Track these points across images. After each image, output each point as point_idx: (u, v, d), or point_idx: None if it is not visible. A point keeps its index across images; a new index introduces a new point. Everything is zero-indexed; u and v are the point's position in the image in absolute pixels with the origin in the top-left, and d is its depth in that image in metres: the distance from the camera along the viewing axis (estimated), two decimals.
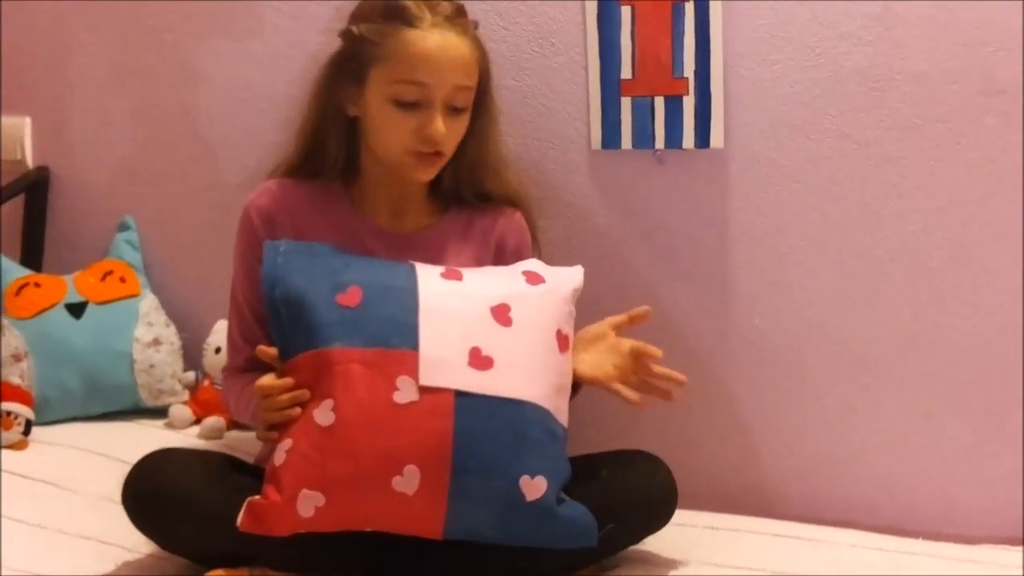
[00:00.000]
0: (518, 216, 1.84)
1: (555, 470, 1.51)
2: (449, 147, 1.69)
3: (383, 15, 1.66)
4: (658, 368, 1.67)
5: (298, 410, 1.50)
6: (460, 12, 1.70)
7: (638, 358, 1.67)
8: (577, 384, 1.66)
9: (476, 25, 1.72)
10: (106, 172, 2.42)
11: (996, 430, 1.90)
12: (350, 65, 1.70)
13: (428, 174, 1.71)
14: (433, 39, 1.64)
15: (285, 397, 1.51)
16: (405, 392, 1.47)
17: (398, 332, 1.51)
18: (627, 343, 1.67)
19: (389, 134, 1.67)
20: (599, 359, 1.67)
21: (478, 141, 1.77)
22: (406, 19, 1.64)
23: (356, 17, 1.71)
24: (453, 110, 1.67)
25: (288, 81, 1.96)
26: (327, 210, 1.76)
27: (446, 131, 1.65)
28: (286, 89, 1.83)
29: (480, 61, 1.70)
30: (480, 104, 1.74)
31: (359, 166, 1.78)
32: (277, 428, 1.53)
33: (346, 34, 1.71)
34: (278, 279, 1.56)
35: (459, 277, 1.61)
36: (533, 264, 1.69)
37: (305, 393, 1.50)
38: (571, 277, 1.67)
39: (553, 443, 1.53)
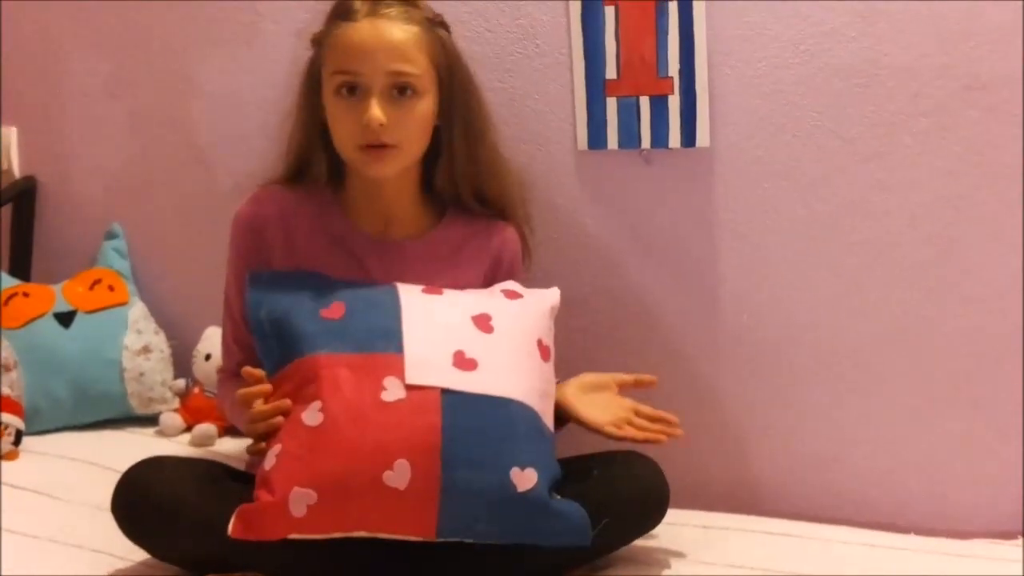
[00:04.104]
0: (511, 231, 1.84)
1: (545, 465, 1.51)
2: (398, 137, 1.65)
3: (330, 16, 1.69)
4: (650, 411, 1.73)
5: (281, 419, 1.50)
6: (410, 4, 1.68)
7: (638, 386, 1.76)
8: (565, 420, 1.70)
9: (438, 20, 1.71)
10: (94, 181, 2.42)
11: (987, 424, 1.90)
12: (314, 72, 1.71)
13: (381, 169, 1.68)
14: (362, 27, 1.64)
15: (268, 407, 1.51)
16: (392, 391, 1.48)
17: (382, 337, 1.53)
18: (626, 399, 1.74)
19: (338, 130, 1.68)
20: (604, 404, 1.71)
21: (466, 142, 1.75)
22: (344, 14, 1.66)
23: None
24: (396, 97, 1.64)
25: (278, 89, 1.96)
26: (317, 217, 1.76)
27: (387, 120, 1.63)
28: (276, 96, 1.83)
29: (429, 49, 1.67)
30: (454, 101, 1.72)
31: (344, 174, 1.78)
32: (265, 439, 1.52)
33: (310, 43, 1.73)
34: (263, 301, 1.60)
35: (439, 293, 1.64)
36: (511, 284, 1.72)
37: (286, 402, 1.51)
38: (548, 296, 1.70)
39: (541, 440, 1.54)
